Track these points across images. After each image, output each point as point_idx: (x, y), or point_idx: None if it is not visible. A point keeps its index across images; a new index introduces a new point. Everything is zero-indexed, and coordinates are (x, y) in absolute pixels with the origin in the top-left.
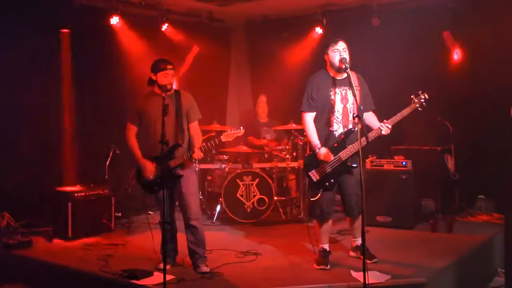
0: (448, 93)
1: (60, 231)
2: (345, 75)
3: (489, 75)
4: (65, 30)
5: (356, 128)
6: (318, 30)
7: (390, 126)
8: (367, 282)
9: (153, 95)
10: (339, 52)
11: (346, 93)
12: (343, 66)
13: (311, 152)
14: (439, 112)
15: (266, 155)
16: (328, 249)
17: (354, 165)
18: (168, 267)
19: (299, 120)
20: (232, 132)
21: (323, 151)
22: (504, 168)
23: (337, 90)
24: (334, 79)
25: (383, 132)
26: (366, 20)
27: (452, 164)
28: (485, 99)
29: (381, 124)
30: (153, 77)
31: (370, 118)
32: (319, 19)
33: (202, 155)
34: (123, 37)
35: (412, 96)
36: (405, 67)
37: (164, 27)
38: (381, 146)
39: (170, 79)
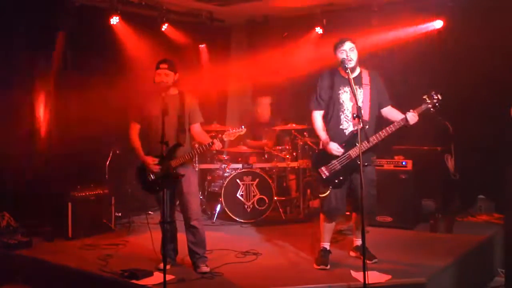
0: (448, 93)
1: (60, 231)
2: (355, 73)
3: (489, 75)
4: (65, 30)
5: (367, 127)
6: (318, 30)
7: (416, 116)
8: (367, 282)
9: (155, 95)
10: (346, 52)
11: (356, 92)
12: (345, 66)
13: (320, 149)
14: (439, 112)
15: (266, 155)
16: (328, 248)
17: (365, 164)
18: (168, 267)
19: (299, 120)
20: (234, 131)
21: (332, 146)
22: (504, 168)
23: (346, 88)
24: (343, 78)
25: (410, 122)
26: (366, 20)
27: (452, 164)
28: (485, 99)
29: (407, 113)
30: (154, 76)
31: (392, 112)
32: (319, 19)
33: (221, 145)
34: (123, 37)
35: (424, 97)
36: (405, 66)
37: (164, 27)
38: (381, 146)
39: (164, 78)
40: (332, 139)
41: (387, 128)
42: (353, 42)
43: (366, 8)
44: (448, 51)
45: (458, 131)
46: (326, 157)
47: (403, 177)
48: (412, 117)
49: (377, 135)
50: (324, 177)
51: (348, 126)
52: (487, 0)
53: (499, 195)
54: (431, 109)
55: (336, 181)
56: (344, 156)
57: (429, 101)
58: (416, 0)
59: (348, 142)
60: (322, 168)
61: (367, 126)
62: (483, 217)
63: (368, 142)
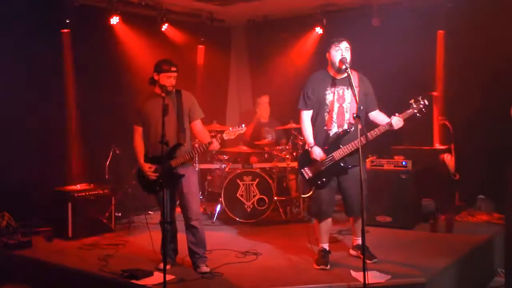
0: (448, 93)
1: (60, 231)
2: (345, 74)
3: (489, 75)
4: (65, 30)
5: (352, 129)
6: (318, 30)
7: (401, 122)
8: (367, 282)
9: (154, 96)
10: (341, 51)
11: (343, 93)
12: (343, 67)
13: (305, 150)
14: (439, 112)
15: (266, 155)
16: (327, 248)
17: (348, 166)
18: (168, 267)
19: (299, 120)
20: (234, 130)
21: (316, 150)
22: (504, 168)
23: (334, 89)
24: (333, 78)
25: (395, 127)
26: (366, 20)
27: (452, 164)
28: (485, 98)
29: (392, 118)
30: (155, 77)
31: (379, 116)
32: (319, 19)
33: (219, 145)
34: (123, 37)
35: (411, 101)
36: (405, 67)
37: (164, 27)
38: (381, 146)
39: (173, 81)
40: (317, 139)
41: (372, 132)
42: (348, 43)
43: (366, 8)
44: (448, 52)
45: (458, 131)
46: (309, 157)
47: (403, 177)
48: (397, 121)
49: (355, 142)
50: (307, 177)
51: (333, 127)
52: (487, 1)
53: (499, 195)
54: (417, 114)
55: (319, 182)
56: (328, 158)
57: (415, 106)
58: (416, 1)
59: (332, 144)
60: (306, 168)
61: (352, 128)
62: (483, 217)
63: (366, 139)
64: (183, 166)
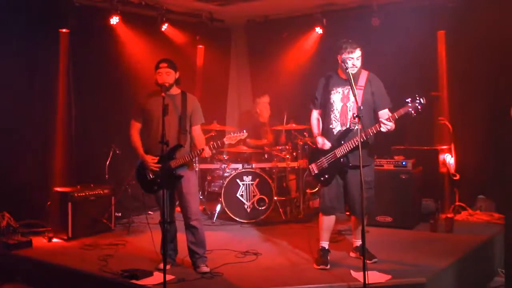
0: (448, 93)
1: (60, 231)
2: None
3: (489, 75)
4: (65, 30)
5: (356, 127)
6: (318, 30)
7: (390, 124)
8: (367, 282)
9: (157, 94)
10: (353, 60)
11: (348, 92)
12: (343, 67)
13: (313, 146)
14: (439, 112)
15: (266, 155)
16: (327, 247)
17: (349, 164)
18: (168, 267)
19: (299, 120)
20: (235, 135)
21: (319, 139)
22: (504, 168)
23: (339, 89)
24: (340, 78)
25: (383, 130)
26: (366, 20)
27: (452, 164)
28: (485, 99)
29: (381, 120)
30: (155, 77)
31: (384, 116)
32: (319, 19)
33: (210, 153)
34: (123, 37)
35: (407, 100)
36: (405, 67)
37: (164, 27)
38: (381, 146)
39: (165, 77)
40: (323, 137)
41: (366, 131)
42: (361, 50)
43: (366, 8)
44: (448, 52)
45: (458, 131)
46: (316, 154)
47: (403, 177)
48: (383, 126)
49: (354, 140)
50: (313, 174)
51: (336, 125)
52: (488, 1)
53: (499, 195)
54: (412, 112)
55: (322, 178)
56: (330, 155)
57: (411, 104)
58: (417, 1)
59: (335, 141)
60: (312, 164)
61: (356, 127)
62: (483, 217)
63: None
64: (182, 167)
